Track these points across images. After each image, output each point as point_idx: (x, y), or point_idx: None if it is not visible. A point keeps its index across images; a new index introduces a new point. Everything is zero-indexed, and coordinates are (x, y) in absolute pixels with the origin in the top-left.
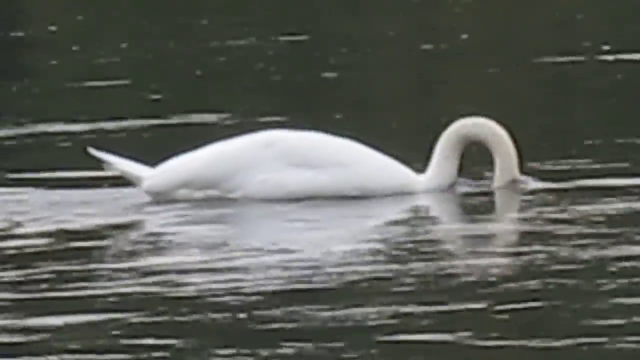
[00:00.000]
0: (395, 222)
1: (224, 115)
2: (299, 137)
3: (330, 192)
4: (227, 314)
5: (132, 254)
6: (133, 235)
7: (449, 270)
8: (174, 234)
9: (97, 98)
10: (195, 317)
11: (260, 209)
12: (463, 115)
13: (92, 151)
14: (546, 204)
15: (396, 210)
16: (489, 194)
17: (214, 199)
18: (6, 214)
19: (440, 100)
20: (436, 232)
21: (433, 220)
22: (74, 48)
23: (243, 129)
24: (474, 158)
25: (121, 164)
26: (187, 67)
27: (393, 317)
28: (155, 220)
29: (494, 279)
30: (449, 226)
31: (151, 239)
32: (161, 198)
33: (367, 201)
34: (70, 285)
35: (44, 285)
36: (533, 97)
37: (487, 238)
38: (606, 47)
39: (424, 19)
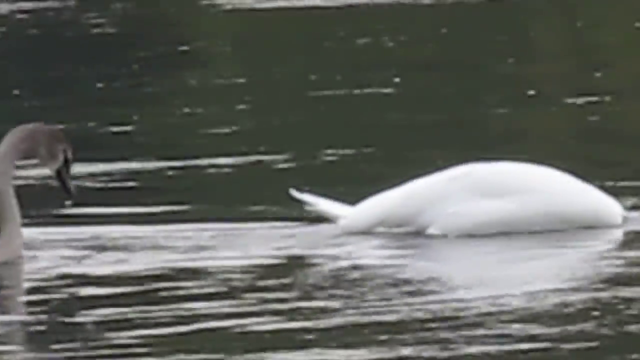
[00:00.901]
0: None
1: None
2: (488, 168)
3: (520, 220)
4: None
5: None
6: (327, 268)
7: None
8: (365, 268)
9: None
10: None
11: (455, 243)
12: None
13: (294, 193)
14: None
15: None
16: None
17: (410, 234)
18: (210, 243)
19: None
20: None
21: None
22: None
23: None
24: None
25: (321, 204)
26: None
27: None
28: (349, 255)
29: None
30: None
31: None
32: (359, 235)
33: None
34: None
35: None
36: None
37: None
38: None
39: None
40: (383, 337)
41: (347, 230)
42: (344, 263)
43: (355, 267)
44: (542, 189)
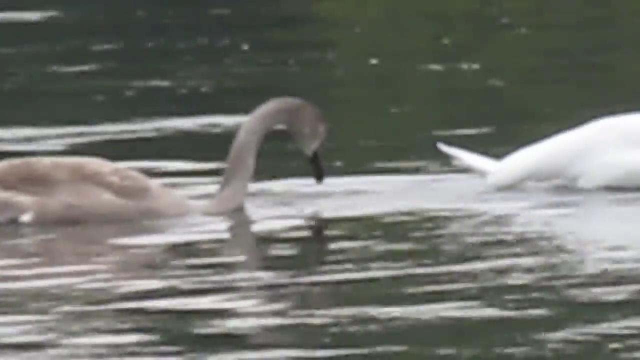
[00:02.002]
0: None
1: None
2: (637, 119)
3: None
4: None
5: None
6: (475, 223)
7: None
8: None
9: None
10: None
11: (607, 195)
12: None
13: (442, 147)
14: None
15: None
16: None
17: (560, 187)
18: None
19: None
20: None
21: None
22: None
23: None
24: None
25: (469, 159)
26: None
27: None
28: (498, 210)
29: None
30: None
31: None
32: (507, 190)
33: None
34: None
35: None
36: None
37: None
38: None
39: None
40: (512, 296)
41: (494, 186)
42: (487, 219)
43: (498, 223)
44: None
